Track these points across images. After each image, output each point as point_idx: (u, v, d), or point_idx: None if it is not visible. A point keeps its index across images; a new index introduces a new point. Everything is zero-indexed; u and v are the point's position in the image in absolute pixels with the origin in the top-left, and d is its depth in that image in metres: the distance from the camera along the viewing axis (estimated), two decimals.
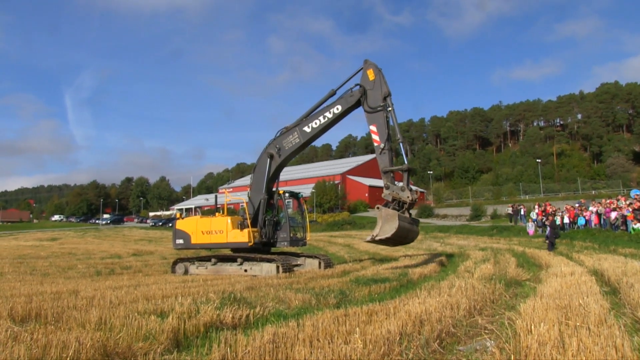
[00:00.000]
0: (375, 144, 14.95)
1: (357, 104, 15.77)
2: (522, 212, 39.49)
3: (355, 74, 15.93)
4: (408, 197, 13.89)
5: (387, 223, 13.46)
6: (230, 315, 6.85)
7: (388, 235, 13.22)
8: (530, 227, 32.31)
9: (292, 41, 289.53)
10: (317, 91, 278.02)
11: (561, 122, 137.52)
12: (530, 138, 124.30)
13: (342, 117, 16.38)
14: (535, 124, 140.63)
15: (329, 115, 16.14)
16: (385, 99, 15.00)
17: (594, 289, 8.65)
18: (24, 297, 8.95)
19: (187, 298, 8.13)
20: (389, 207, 13.95)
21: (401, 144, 14.87)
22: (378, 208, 13.99)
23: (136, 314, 6.72)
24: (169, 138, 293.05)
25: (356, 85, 15.69)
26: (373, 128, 14.99)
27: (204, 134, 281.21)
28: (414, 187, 15.18)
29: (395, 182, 14.72)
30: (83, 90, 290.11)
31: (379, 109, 14.99)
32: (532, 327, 5.40)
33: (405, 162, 14.53)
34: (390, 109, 14.90)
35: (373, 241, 13.74)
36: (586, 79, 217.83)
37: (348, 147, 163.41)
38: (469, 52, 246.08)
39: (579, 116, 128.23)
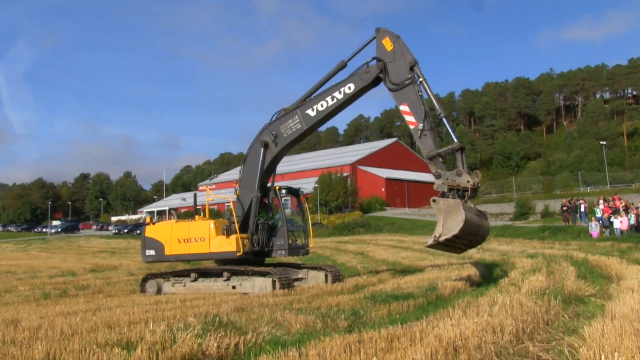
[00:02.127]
0: (412, 127, 14.82)
1: (375, 81, 15.77)
2: (582, 209, 39.41)
3: (367, 44, 15.92)
4: (468, 181, 13.59)
5: (450, 217, 12.96)
6: (215, 345, 6.86)
7: (455, 232, 12.70)
8: (594, 228, 32.23)
9: (284, 0, 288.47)
10: (318, 62, 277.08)
11: (634, 93, 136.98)
12: (591, 114, 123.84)
13: (356, 98, 16.42)
14: (598, 95, 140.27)
15: (338, 95, 16.13)
16: (411, 69, 14.97)
17: None
18: None
19: (160, 324, 8.15)
20: (447, 198, 13.68)
21: (444, 120, 14.82)
22: (434, 201, 13.44)
23: (95, 346, 6.73)
24: (134, 123, 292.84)
25: (373, 59, 15.64)
26: (404, 108, 14.89)
27: (178, 117, 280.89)
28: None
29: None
30: (19, 62, 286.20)
31: (406, 82, 14.91)
32: (603, 357, 5.34)
33: (455, 139, 14.33)
34: (421, 79, 14.85)
35: (437, 244, 13.26)
36: None
37: (359, 131, 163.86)
38: (509, 9, 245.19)
39: None
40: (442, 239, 12.94)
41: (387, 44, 15.38)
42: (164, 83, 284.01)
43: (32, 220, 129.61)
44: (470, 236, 13.50)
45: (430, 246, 13.60)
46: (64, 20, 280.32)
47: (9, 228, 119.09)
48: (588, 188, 69.59)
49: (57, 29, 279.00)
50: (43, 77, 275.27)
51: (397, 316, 9.71)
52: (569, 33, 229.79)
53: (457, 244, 13.59)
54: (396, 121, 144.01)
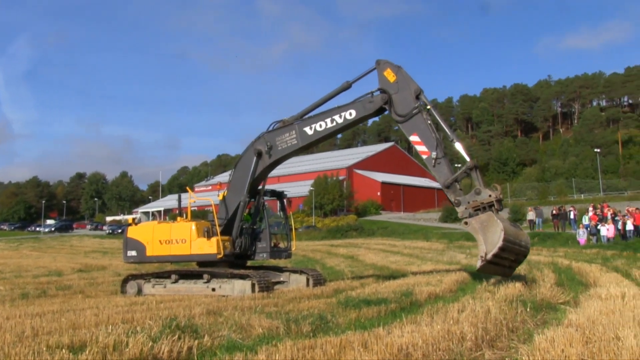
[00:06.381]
0: (425, 156, 14.88)
1: (378, 112, 15.95)
2: (571, 216, 39.45)
3: (369, 72, 16.01)
4: (490, 195, 13.61)
5: (488, 232, 12.99)
6: (167, 349, 6.75)
7: (500, 243, 12.68)
8: (582, 235, 32.24)
9: (288, 3, 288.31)
10: (322, 65, 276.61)
11: (630, 101, 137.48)
12: (587, 122, 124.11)
13: (356, 124, 16.72)
14: (595, 103, 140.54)
15: (338, 119, 16.11)
16: (417, 97, 15.05)
17: None
18: None
19: (118, 326, 8.05)
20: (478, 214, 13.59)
21: (456, 144, 14.84)
22: (466, 223, 13.69)
23: (44, 348, 6.62)
24: (135, 124, 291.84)
25: (377, 90, 15.67)
26: (415, 138, 14.95)
27: (180, 118, 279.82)
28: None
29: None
30: (18, 61, 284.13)
31: (414, 112, 14.98)
32: None
33: (467, 159, 14.47)
34: (428, 107, 15.00)
35: (486, 264, 13.16)
36: None
37: (356, 135, 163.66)
38: (508, 16, 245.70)
39: None
40: (489, 256, 12.92)
41: (389, 75, 15.47)
42: (167, 84, 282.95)
43: (27, 219, 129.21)
44: (514, 247, 13.41)
45: (481, 269, 13.61)
46: (66, 20, 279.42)
47: (2, 227, 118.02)
48: (582, 195, 69.72)
49: (58, 28, 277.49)
50: (44, 76, 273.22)
51: (365, 322, 9.61)
52: (568, 41, 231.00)
53: (504, 260, 13.50)
54: (394, 126, 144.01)
